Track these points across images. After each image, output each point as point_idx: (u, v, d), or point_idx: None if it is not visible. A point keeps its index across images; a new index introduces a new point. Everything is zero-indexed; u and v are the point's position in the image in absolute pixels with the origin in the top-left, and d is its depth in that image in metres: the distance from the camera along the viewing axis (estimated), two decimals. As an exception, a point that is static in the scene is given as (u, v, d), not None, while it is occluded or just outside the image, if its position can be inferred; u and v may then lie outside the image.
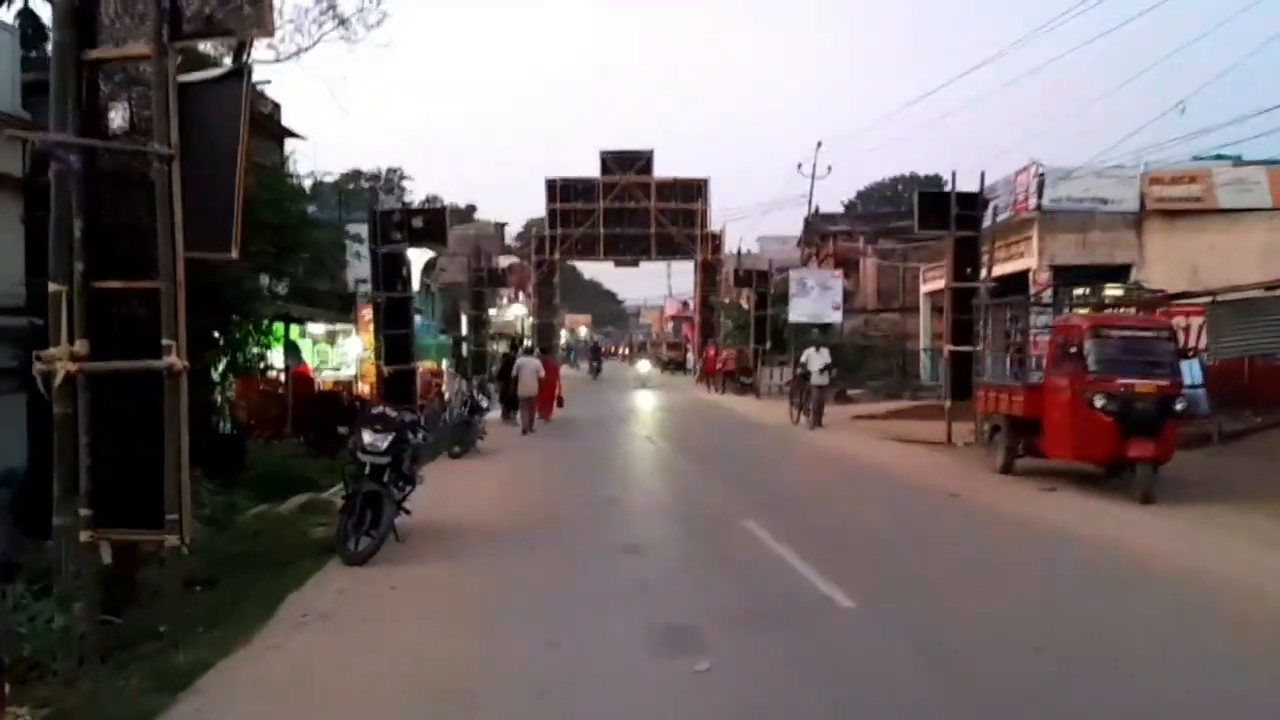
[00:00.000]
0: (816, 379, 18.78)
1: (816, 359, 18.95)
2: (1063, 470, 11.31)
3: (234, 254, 5.84)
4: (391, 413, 8.07)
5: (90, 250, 5.50)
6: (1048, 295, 16.56)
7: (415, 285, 25.38)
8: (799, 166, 36.75)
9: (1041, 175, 19.52)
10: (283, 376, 16.89)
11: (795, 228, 44.48)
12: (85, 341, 5.44)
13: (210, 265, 11.55)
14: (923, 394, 24.00)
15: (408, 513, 8.15)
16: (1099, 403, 9.73)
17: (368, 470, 7.62)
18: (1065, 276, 18.66)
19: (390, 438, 7.67)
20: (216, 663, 5.06)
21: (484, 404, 15.68)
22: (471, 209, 61.32)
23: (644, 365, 46.24)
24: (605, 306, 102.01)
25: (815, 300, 30.02)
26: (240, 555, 7.84)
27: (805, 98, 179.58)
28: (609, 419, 22.31)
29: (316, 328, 23.58)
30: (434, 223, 15.15)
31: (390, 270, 15.11)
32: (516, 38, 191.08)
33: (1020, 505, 9.79)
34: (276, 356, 16.86)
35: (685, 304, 66.90)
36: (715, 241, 48.88)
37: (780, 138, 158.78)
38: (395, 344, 14.90)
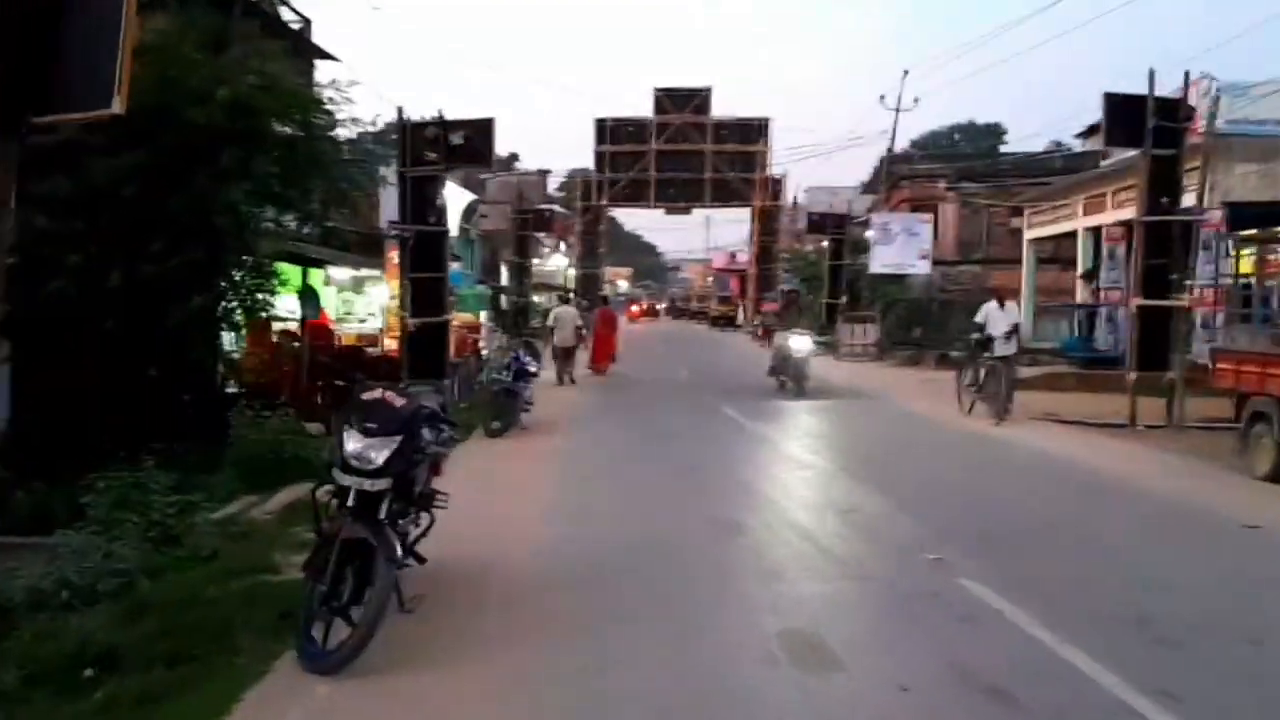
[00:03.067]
0: (1001, 347, 12.85)
1: (1001, 318, 13.08)
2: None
3: (117, 108, 3.93)
4: (397, 400, 4.71)
5: None
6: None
7: (454, 230, 22.76)
8: (881, 98, 32.86)
9: (1217, 92, 15.64)
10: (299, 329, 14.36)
11: (847, 178, 40.68)
12: None
13: (197, 192, 9.29)
14: (1039, 360, 20.58)
15: (420, 561, 4.95)
16: None
17: (352, 500, 4.42)
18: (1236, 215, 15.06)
19: (393, 445, 4.46)
20: None
21: (532, 368, 12.65)
22: (514, 157, 58.47)
23: (799, 341, 16.84)
24: (645, 259, 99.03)
25: (899, 248, 26.75)
26: (172, 607, 5.06)
27: (866, 42, 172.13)
28: (682, 389, 18.74)
29: (341, 272, 20.85)
30: (478, 137, 12.24)
31: (421, 199, 12.34)
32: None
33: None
34: (290, 306, 14.30)
35: (734, 256, 63.47)
36: (776, 187, 45.41)
37: (840, 83, 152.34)
38: (424, 290, 12.18)
